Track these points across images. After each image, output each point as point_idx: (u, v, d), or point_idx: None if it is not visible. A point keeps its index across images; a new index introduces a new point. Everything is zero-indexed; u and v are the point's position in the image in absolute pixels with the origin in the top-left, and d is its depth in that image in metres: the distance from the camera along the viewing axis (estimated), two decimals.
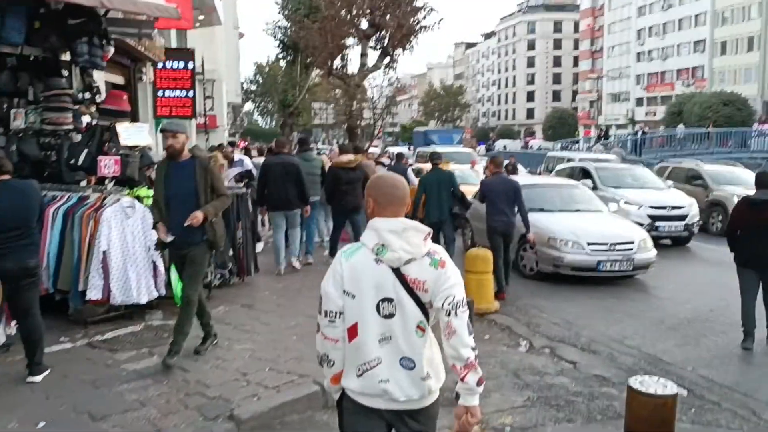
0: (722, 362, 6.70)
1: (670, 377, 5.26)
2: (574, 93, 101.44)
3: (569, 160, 22.07)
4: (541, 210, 11.17)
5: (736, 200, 16.07)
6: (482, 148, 52.97)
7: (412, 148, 37.01)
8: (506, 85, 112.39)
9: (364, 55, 20.51)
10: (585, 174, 15.35)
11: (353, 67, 22.33)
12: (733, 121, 48.03)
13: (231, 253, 8.45)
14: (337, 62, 21.25)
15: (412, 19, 19.41)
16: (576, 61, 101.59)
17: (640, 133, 35.12)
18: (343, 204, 9.75)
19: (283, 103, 29.24)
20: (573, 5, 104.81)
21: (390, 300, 2.58)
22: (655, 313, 8.48)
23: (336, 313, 2.63)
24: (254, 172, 11.28)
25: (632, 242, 10.12)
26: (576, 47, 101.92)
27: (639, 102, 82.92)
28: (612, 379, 6.00)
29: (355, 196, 9.42)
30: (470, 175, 15.99)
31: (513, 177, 10.97)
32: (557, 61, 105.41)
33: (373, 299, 2.58)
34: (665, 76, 79.49)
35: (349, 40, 20.48)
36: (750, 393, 5.80)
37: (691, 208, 13.60)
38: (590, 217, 11.17)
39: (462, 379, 2.55)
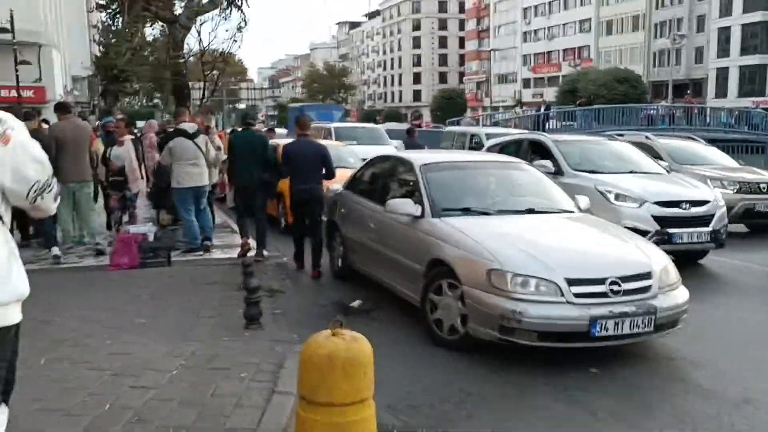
0: None
1: None
2: (461, 74, 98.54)
3: (473, 136, 17.51)
4: (466, 211, 6.03)
5: (710, 184, 11.82)
6: None
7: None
8: (392, 67, 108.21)
9: None
10: (537, 151, 10.02)
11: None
12: (629, 99, 45.66)
13: None
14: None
15: None
16: (462, 42, 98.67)
17: (543, 108, 31.22)
18: None
19: (101, 63, 22.35)
20: None
21: None
22: None
23: None
24: None
25: (649, 274, 5.12)
26: (462, 27, 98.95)
27: (526, 83, 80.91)
28: None
29: None
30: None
31: None
32: (443, 42, 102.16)
33: None
34: (551, 56, 77.77)
35: None
36: None
37: (718, 204, 8.37)
38: (557, 226, 6.08)
39: None
